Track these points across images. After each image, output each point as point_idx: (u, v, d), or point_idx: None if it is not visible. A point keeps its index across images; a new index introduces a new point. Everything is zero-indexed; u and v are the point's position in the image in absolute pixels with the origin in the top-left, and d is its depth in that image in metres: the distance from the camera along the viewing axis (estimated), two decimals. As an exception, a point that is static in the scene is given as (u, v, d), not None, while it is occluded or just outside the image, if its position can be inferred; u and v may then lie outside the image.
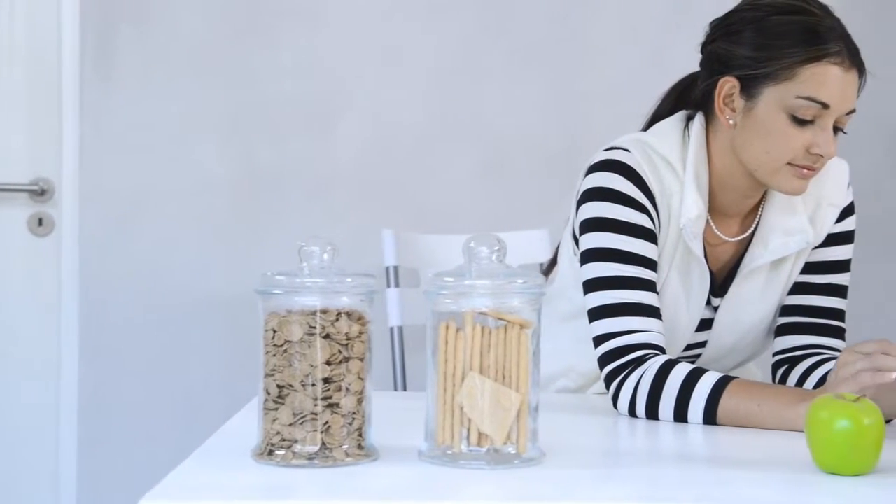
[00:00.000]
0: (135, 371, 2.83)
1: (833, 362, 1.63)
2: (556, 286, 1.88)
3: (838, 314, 1.74)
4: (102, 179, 2.84)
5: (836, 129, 1.59)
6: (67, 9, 2.83)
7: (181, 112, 2.87)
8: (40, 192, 2.87)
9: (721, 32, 1.64)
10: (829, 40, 1.55)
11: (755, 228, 1.71)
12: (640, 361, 1.56)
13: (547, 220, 2.68)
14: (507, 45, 2.87)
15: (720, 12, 1.67)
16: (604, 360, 1.61)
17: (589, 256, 1.65)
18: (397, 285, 2.40)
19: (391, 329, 2.35)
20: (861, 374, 1.39)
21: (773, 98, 1.56)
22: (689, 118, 1.70)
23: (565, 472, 1.19)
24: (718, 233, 1.70)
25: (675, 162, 1.66)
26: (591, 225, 1.66)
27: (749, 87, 1.59)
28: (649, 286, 1.63)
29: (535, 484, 1.15)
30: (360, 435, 1.21)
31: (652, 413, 1.53)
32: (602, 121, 2.79)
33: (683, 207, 1.63)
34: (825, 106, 1.54)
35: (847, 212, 1.76)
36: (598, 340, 1.62)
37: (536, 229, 2.64)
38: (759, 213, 1.72)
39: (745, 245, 1.72)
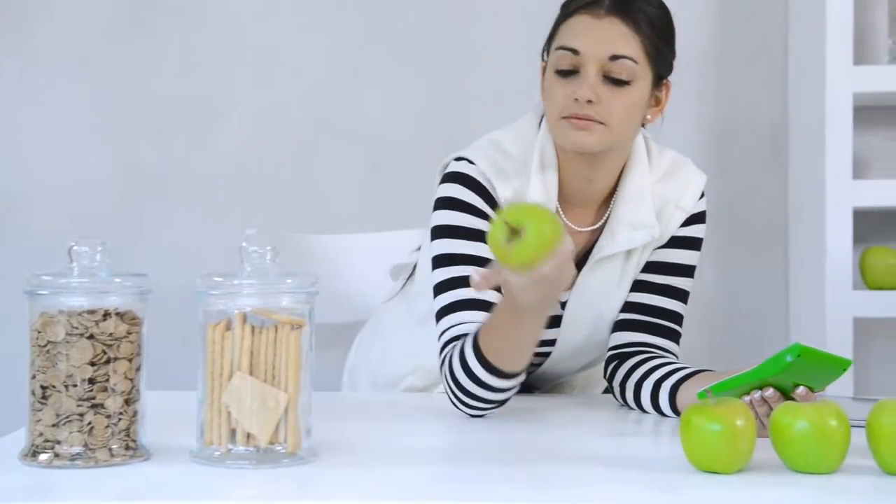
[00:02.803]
0: (12, 375, 2.80)
1: (658, 360, 1.65)
2: (416, 287, 1.89)
3: (674, 316, 1.75)
4: (-19, 180, 2.83)
5: (618, 81, 1.60)
6: (-55, 8, 2.81)
7: (61, 112, 2.85)
8: (-80, 194, 2.85)
9: None
10: None
11: (606, 220, 1.73)
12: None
13: (426, 221, 2.68)
14: (388, 45, 2.87)
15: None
16: (439, 355, 1.63)
17: (436, 262, 1.69)
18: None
19: (255, 329, 2.35)
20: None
21: (550, 60, 1.65)
22: None
23: (331, 471, 1.19)
24: (567, 221, 1.71)
25: (523, 159, 1.69)
26: (437, 232, 1.70)
27: (546, 59, 1.68)
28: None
29: (294, 482, 1.15)
30: (127, 435, 1.20)
31: (459, 387, 1.52)
32: (482, 121, 2.78)
33: (528, 198, 1.65)
34: (575, 52, 1.60)
35: (695, 219, 1.76)
36: (438, 338, 1.65)
37: (416, 229, 2.64)
38: (611, 205, 1.73)
39: (597, 238, 1.74)
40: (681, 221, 1.74)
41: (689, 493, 1.13)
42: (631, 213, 1.70)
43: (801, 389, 1.32)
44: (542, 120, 1.72)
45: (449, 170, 1.72)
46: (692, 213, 1.75)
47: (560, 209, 1.71)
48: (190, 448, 1.23)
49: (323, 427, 1.38)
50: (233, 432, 1.20)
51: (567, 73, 1.61)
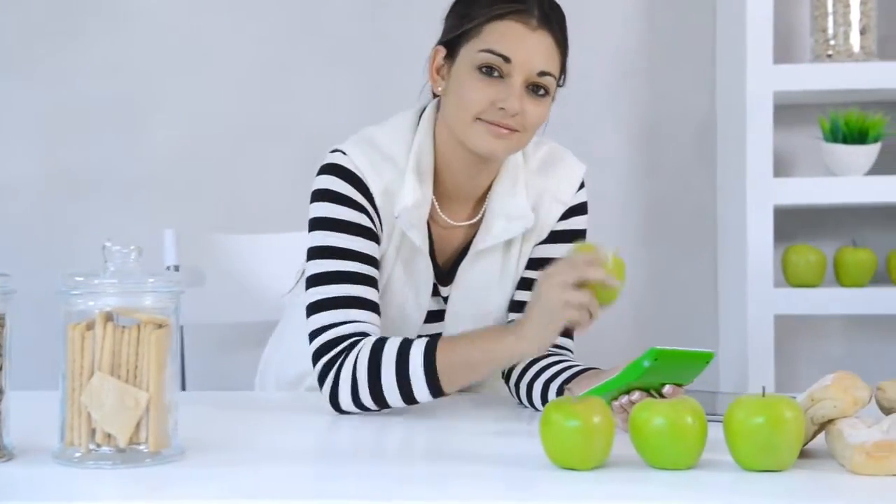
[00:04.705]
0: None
1: (550, 358, 1.66)
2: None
3: None
4: None
5: (540, 94, 1.61)
6: None
7: (-13, 112, 2.84)
8: None
9: (447, 12, 1.69)
10: (514, 1, 1.60)
11: (483, 214, 1.73)
12: (351, 347, 1.57)
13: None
14: (318, 43, 2.87)
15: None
16: (316, 356, 1.59)
17: (310, 255, 1.67)
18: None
19: (174, 330, 2.35)
20: (566, 309, 1.46)
21: (466, 56, 1.61)
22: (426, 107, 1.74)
23: (194, 470, 1.19)
24: (444, 217, 1.71)
25: (397, 155, 1.68)
26: (313, 225, 1.68)
27: (451, 51, 1.65)
28: (367, 281, 1.63)
29: (154, 482, 1.15)
30: (-12, 436, 1.20)
31: (376, 394, 1.53)
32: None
33: (400, 196, 1.65)
34: (506, 59, 1.58)
35: (575, 211, 1.76)
36: (312, 336, 1.61)
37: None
38: (487, 199, 1.73)
39: (475, 232, 1.74)
40: (559, 214, 1.74)
41: (540, 489, 1.13)
42: (505, 206, 1.70)
43: (667, 388, 1.34)
44: (420, 118, 1.72)
45: (324, 162, 1.70)
46: (571, 205, 1.75)
47: (437, 204, 1.71)
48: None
49: (203, 426, 1.38)
50: (93, 432, 1.20)
51: (489, 75, 1.59)
